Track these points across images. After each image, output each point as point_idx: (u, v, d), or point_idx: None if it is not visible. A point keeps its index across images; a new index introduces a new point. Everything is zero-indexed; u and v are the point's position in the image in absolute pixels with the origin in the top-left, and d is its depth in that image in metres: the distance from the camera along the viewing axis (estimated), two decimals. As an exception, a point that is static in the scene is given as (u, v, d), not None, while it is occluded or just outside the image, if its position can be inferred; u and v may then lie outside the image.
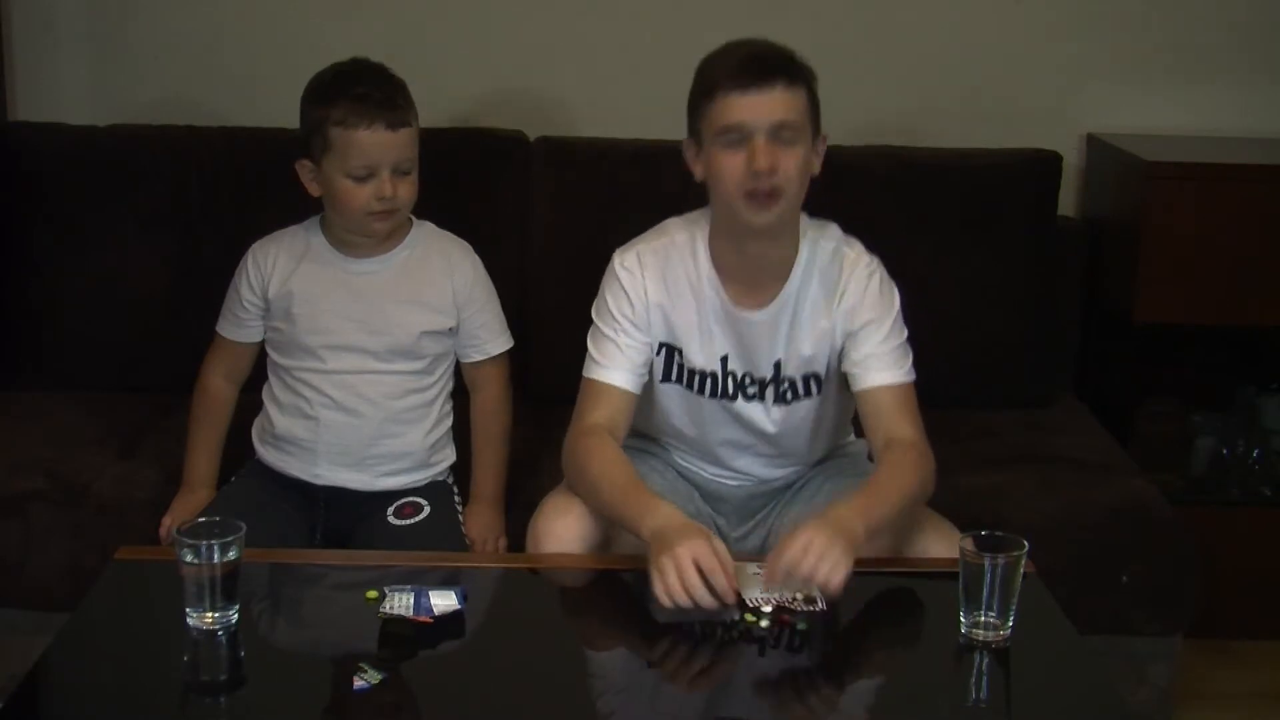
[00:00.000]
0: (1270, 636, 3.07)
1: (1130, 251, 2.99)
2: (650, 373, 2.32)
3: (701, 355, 2.29)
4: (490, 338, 2.56)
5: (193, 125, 3.05)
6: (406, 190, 2.42)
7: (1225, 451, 3.20)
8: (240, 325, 2.53)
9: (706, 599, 1.94)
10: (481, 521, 2.50)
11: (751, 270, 2.27)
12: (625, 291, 2.29)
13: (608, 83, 3.24)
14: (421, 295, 2.48)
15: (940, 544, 2.17)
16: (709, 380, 2.31)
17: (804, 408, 2.33)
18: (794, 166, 2.17)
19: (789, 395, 2.31)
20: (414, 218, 2.53)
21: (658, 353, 2.30)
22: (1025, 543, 1.91)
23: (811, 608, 1.97)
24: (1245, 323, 3.01)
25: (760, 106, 2.14)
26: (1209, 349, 3.23)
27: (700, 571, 1.94)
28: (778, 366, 2.30)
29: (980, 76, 3.23)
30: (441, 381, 2.53)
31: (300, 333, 2.46)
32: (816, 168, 2.23)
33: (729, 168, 2.17)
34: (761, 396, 2.31)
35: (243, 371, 2.57)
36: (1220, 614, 2.86)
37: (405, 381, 2.48)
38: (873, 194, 2.94)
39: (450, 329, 2.51)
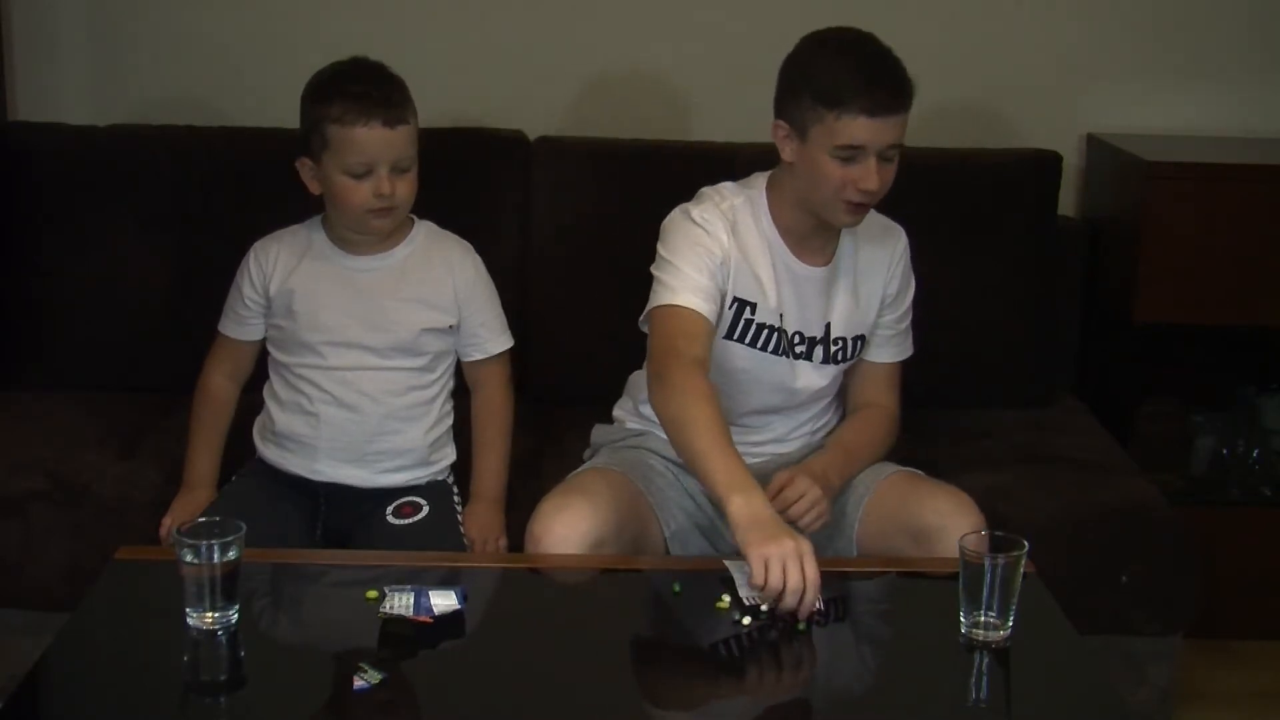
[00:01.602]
0: (1270, 636, 3.07)
1: (1130, 251, 2.99)
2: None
3: (769, 308, 2.35)
4: (490, 336, 2.56)
5: (193, 125, 3.04)
6: (405, 188, 2.42)
7: (1225, 451, 3.20)
8: (242, 323, 2.54)
9: (794, 604, 1.92)
10: (481, 521, 2.50)
11: (811, 229, 2.35)
12: (708, 234, 2.29)
13: (608, 83, 3.23)
14: (422, 293, 2.48)
15: (953, 505, 2.24)
16: (775, 335, 2.36)
17: (845, 370, 2.44)
18: (891, 179, 2.27)
19: (839, 357, 2.40)
20: (415, 217, 2.53)
21: (730, 306, 2.33)
22: (1025, 543, 1.91)
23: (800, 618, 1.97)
24: (1245, 323, 3.01)
25: (885, 132, 2.20)
26: (1209, 349, 3.23)
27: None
28: (828, 328, 2.38)
29: (980, 76, 3.23)
30: (442, 380, 2.53)
31: (301, 329, 2.47)
32: None
33: (837, 177, 2.23)
34: (809, 356, 2.39)
35: (244, 371, 2.57)
36: (1220, 614, 2.86)
37: (406, 378, 2.48)
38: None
39: (451, 327, 2.51)
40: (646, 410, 2.44)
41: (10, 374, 3.01)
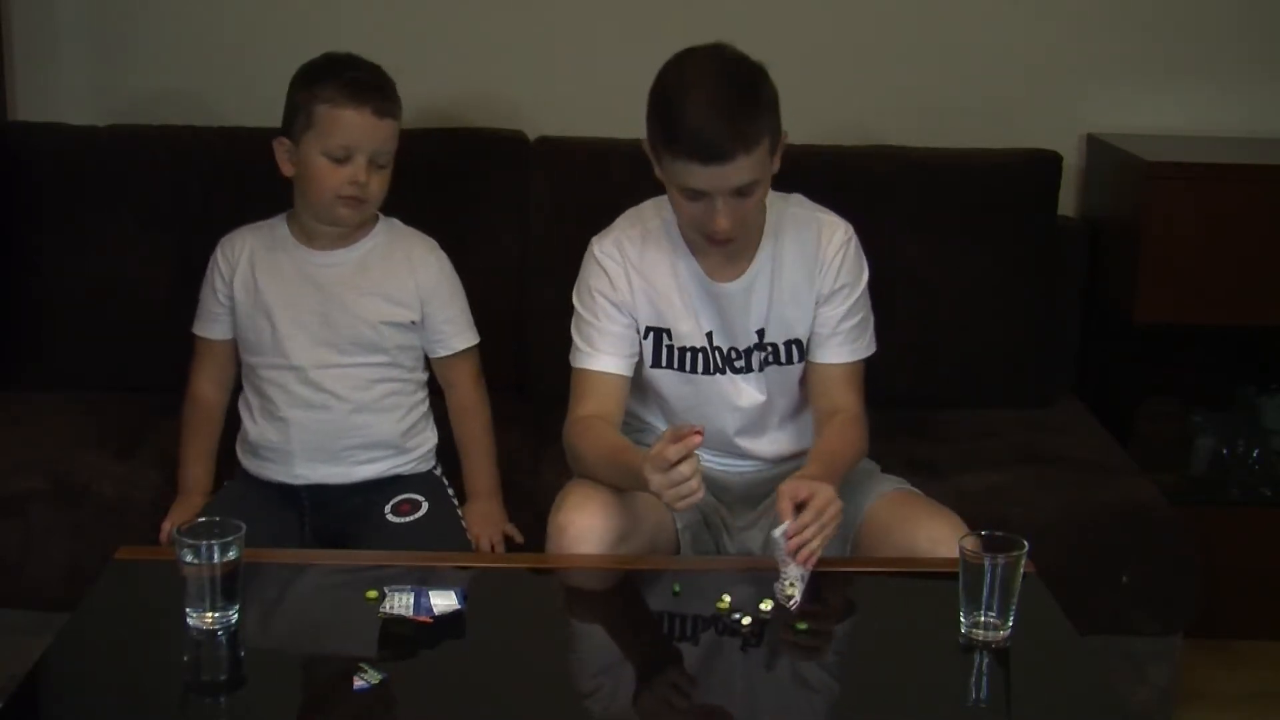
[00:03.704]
0: (1270, 636, 3.07)
1: (1130, 251, 2.99)
2: (641, 361, 2.34)
3: (688, 332, 2.33)
4: (456, 333, 2.56)
5: (193, 125, 3.04)
6: (379, 183, 2.42)
7: (1225, 451, 3.20)
8: (215, 320, 2.54)
9: (686, 472, 1.99)
10: (482, 516, 2.50)
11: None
12: (607, 274, 2.33)
13: (608, 83, 3.23)
14: (382, 287, 2.49)
15: (946, 531, 2.17)
16: (699, 356, 2.34)
17: (792, 373, 2.38)
18: (753, 211, 2.23)
19: (771, 360, 2.36)
20: (380, 214, 2.53)
21: (645, 336, 2.34)
22: (1025, 543, 1.91)
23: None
24: (1245, 323, 3.01)
25: (724, 178, 2.13)
26: (1209, 349, 3.23)
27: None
28: (760, 334, 2.34)
29: (980, 76, 3.23)
30: (410, 373, 2.54)
31: (263, 326, 2.47)
32: (776, 168, 2.24)
33: (688, 212, 2.21)
34: (749, 367, 2.36)
35: (228, 374, 2.57)
36: (1220, 614, 2.86)
37: (369, 373, 2.48)
38: (873, 194, 2.94)
39: (412, 322, 2.51)
40: (645, 411, 2.45)
41: (10, 374, 3.01)
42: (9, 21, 3.19)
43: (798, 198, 2.39)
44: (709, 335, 2.34)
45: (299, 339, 2.46)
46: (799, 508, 2.03)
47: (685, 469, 2.00)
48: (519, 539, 2.50)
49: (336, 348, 2.46)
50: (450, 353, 2.56)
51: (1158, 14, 3.22)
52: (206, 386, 2.57)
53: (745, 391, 2.37)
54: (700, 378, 2.36)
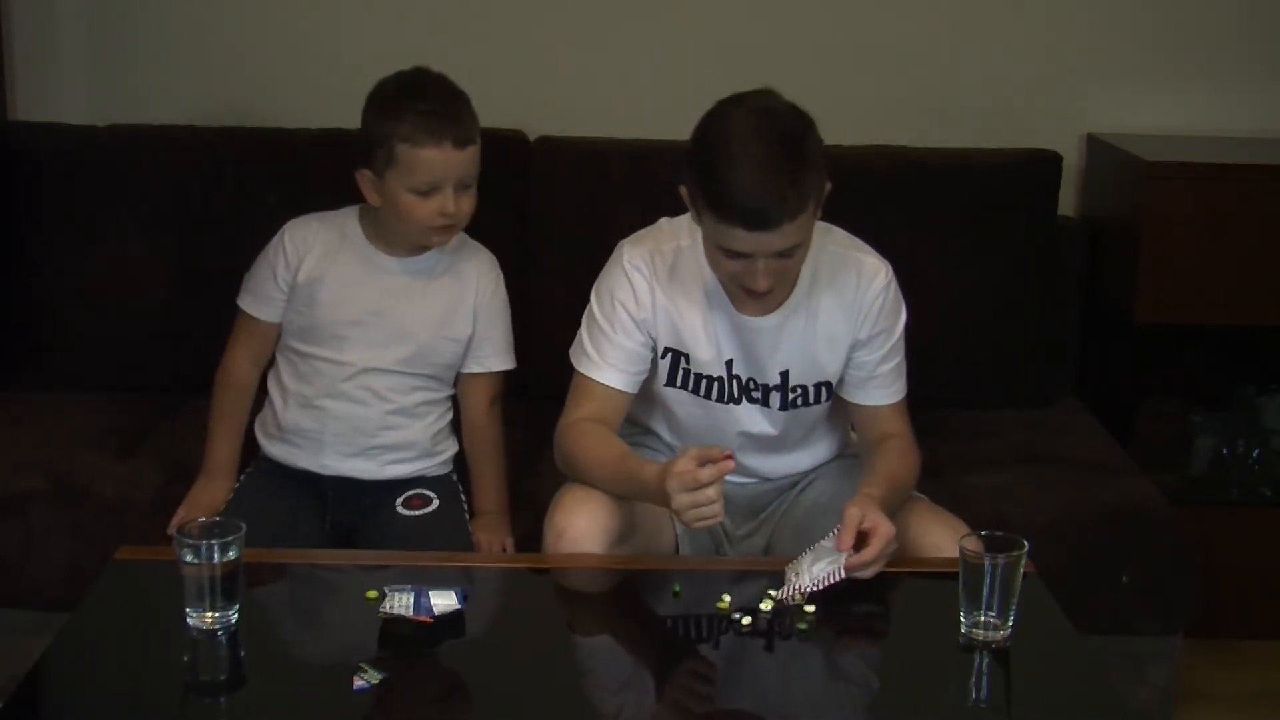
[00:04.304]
0: (1270, 636, 3.07)
1: (1130, 251, 2.99)
2: (653, 374, 2.31)
3: (707, 359, 2.27)
4: (493, 353, 2.56)
5: (193, 125, 3.04)
6: (467, 204, 2.42)
7: (1225, 451, 3.20)
8: (270, 303, 2.50)
9: (712, 495, 1.99)
10: (490, 529, 2.51)
11: None
12: (632, 287, 2.26)
13: (608, 83, 3.23)
14: (444, 299, 2.49)
15: (950, 539, 2.16)
16: (715, 384, 2.29)
17: (813, 411, 2.34)
18: (795, 268, 2.17)
19: (799, 402, 2.31)
20: None
21: (663, 356, 2.29)
22: (1025, 543, 1.91)
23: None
24: (1245, 323, 3.01)
25: (769, 242, 2.07)
26: (1209, 349, 3.24)
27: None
28: (784, 375, 2.28)
29: (980, 76, 3.23)
30: (445, 385, 2.55)
31: (322, 319, 2.46)
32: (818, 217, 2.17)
33: (727, 268, 2.14)
34: (766, 402, 2.30)
35: (266, 355, 2.54)
36: (1220, 614, 2.85)
37: (413, 380, 2.49)
38: (873, 194, 2.94)
39: (467, 336, 2.51)
40: (650, 419, 2.43)
41: (10, 374, 3.01)
42: (9, 21, 3.19)
43: (838, 234, 2.30)
44: (729, 363, 2.28)
45: (354, 337, 2.46)
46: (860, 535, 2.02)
47: (712, 492, 2.00)
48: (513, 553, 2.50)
49: (389, 351, 2.46)
50: (484, 370, 2.56)
51: (1158, 15, 3.23)
52: (245, 365, 2.54)
53: (759, 422, 2.32)
54: (711, 404, 2.31)
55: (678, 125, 3.16)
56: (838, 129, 3.05)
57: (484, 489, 2.55)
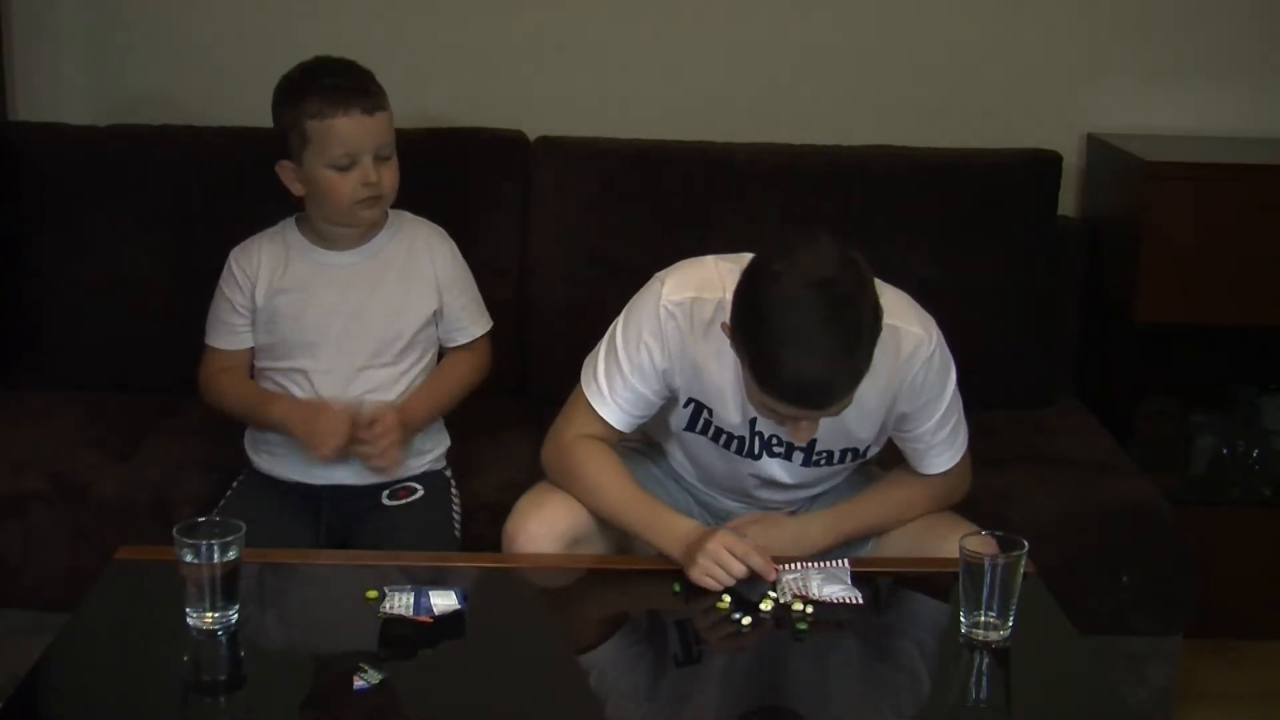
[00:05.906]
0: (1270, 636, 3.07)
1: (1130, 251, 2.99)
2: (673, 413, 2.23)
3: (731, 416, 2.17)
4: (471, 320, 2.57)
5: (193, 125, 3.05)
6: (390, 175, 2.42)
7: (1225, 451, 3.20)
8: (234, 333, 2.51)
9: (744, 572, 2.02)
10: (387, 417, 2.41)
11: None
12: (663, 335, 2.13)
13: (608, 83, 3.23)
14: (404, 280, 2.49)
15: (953, 539, 2.15)
16: (735, 441, 2.20)
17: (836, 469, 2.27)
18: (835, 427, 2.11)
19: (822, 463, 2.23)
20: (389, 208, 2.53)
21: (685, 405, 2.20)
22: (1025, 543, 1.91)
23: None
24: (1245, 323, 3.01)
25: (809, 415, 1.98)
26: (1209, 349, 3.23)
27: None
28: (811, 441, 2.14)
29: (980, 76, 3.23)
30: (428, 368, 2.53)
31: (289, 332, 2.46)
32: None
33: (767, 411, 2.03)
34: (789, 457, 2.21)
35: (242, 375, 2.55)
36: (1220, 614, 2.85)
37: (394, 373, 2.48)
38: (873, 194, 2.94)
39: (435, 312, 2.51)
40: (664, 439, 2.39)
41: (10, 374, 3.01)
42: (9, 21, 3.19)
43: (887, 295, 2.03)
44: (752, 421, 2.16)
45: (325, 342, 2.45)
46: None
47: (737, 571, 2.02)
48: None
49: (363, 348, 2.46)
50: (469, 339, 2.56)
51: (1158, 14, 3.22)
52: (221, 376, 2.52)
53: (779, 473, 2.24)
54: (731, 455, 2.23)
55: (678, 125, 3.16)
56: (838, 129, 3.07)
57: (416, 398, 2.48)
